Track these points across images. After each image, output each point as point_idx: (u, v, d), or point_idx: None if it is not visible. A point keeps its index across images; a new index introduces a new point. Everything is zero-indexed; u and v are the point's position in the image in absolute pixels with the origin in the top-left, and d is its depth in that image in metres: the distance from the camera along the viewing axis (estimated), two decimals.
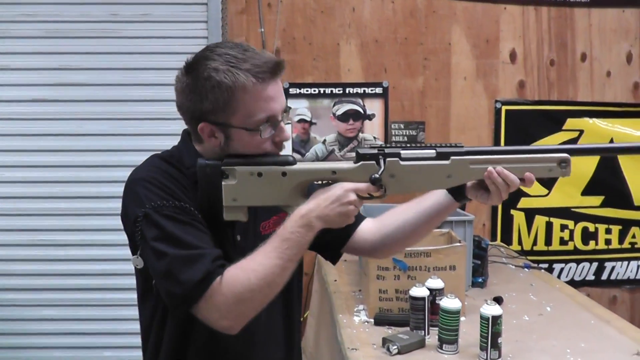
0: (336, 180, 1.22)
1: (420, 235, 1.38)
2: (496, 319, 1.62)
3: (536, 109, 2.96)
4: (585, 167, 2.97)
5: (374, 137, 2.90)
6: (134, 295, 1.32)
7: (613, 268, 3.12)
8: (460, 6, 2.88)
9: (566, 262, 3.08)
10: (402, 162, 1.21)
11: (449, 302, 1.69)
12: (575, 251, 3.09)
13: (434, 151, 1.22)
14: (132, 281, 1.34)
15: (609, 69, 2.99)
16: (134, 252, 1.23)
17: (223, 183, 1.20)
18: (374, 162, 1.21)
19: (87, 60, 2.79)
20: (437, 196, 1.32)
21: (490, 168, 1.20)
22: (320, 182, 1.25)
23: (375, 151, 1.22)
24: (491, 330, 1.62)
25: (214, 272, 1.13)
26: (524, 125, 2.96)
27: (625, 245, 3.11)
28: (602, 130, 3.00)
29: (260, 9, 2.79)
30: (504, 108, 2.95)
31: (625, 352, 1.70)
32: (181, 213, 1.18)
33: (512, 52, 2.92)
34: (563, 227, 3.06)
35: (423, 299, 1.78)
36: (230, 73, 1.17)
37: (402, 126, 2.92)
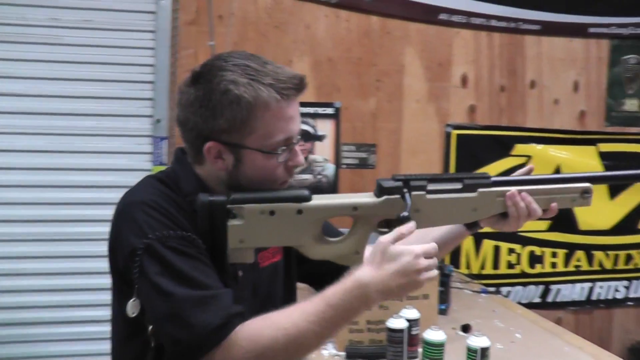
0: (357, 217, 1.10)
1: None
2: (485, 351, 1.57)
3: (486, 134, 2.97)
4: None
5: (325, 159, 2.84)
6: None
7: (559, 290, 3.17)
8: (414, 28, 2.87)
9: (513, 285, 3.10)
10: (428, 196, 1.12)
11: (433, 334, 1.62)
12: (522, 274, 3.11)
13: (460, 183, 1.14)
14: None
15: (557, 96, 3.04)
16: (124, 292, 1.05)
17: (229, 223, 1.05)
18: (398, 196, 1.10)
19: (23, 68, 2.57)
20: (447, 226, 1.23)
21: (513, 190, 1.13)
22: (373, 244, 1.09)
23: (400, 184, 1.11)
24: None
25: (235, 318, 1.00)
26: (474, 149, 2.97)
27: (571, 268, 3.17)
28: (550, 157, 3.04)
29: (211, 20, 2.68)
30: (454, 132, 2.95)
31: None
32: (188, 245, 1.04)
33: (463, 77, 2.93)
34: (511, 251, 3.08)
35: (402, 330, 1.68)
36: (251, 87, 1.05)
37: (353, 148, 2.87)
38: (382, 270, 1.00)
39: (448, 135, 2.94)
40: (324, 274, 1.19)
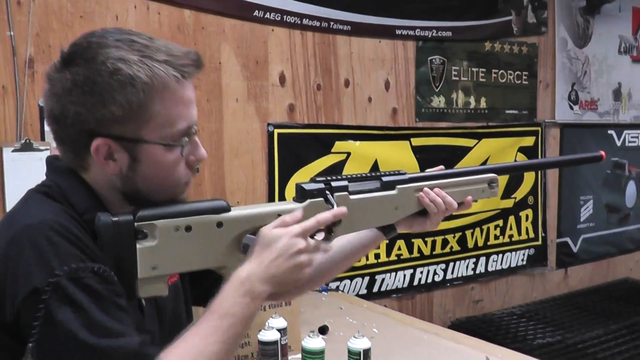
0: None
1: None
2: (367, 352, 1.53)
3: (306, 132, 3.02)
4: None
5: None
6: None
7: (383, 280, 3.29)
8: (228, 23, 2.79)
9: (341, 279, 3.16)
10: (351, 197, 1.05)
11: (312, 342, 1.54)
12: (349, 268, 3.19)
13: (378, 182, 1.08)
14: None
15: (369, 95, 3.17)
16: (8, 352, 0.82)
17: (138, 246, 0.88)
18: (322, 199, 1.02)
19: None
20: (364, 231, 1.15)
21: (426, 188, 1.10)
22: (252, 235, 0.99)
23: (322, 186, 1.03)
24: None
25: None
26: (296, 148, 3.00)
27: (392, 257, 3.32)
28: (367, 153, 3.16)
29: (8, 7, 2.38)
30: (276, 131, 2.95)
31: None
32: (102, 281, 0.85)
33: (281, 75, 2.95)
34: None
35: (275, 342, 1.58)
36: (145, 65, 0.87)
37: None
38: (260, 259, 0.92)
39: (270, 135, 2.94)
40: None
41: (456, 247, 3.57)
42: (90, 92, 0.87)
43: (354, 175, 1.09)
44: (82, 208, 0.90)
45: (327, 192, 1.03)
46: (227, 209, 0.95)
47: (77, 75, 0.88)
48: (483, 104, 3.67)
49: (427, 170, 1.17)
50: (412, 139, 3.34)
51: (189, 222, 0.91)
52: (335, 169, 3.02)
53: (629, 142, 4.63)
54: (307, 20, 2.91)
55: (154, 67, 0.88)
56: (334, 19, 2.99)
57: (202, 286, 1.11)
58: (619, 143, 4.56)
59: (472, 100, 3.62)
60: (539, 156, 3.92)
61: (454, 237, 3.54)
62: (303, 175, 2.93)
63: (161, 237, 0.89)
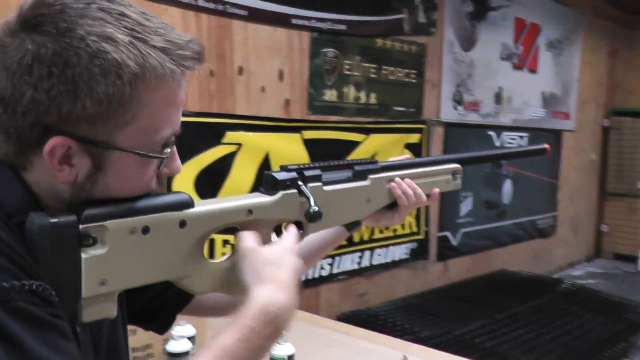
0: (250, 223, 0.84)
1: None
2: (292, 359, 1.42)
3: (198, 121, 2.86)
4: (244, 181, 3.00)
5: None
6: None
7: None
8: None
9: None
10: (325, 188, 0.94)
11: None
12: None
13: (350, 170, 0.96)
14: None
15: (263, 84, 3.07)
16: None
17: (84, 256, 0.68)
18: (295, 190, 0.89)
19: None
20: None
21: (397, 179, 1.00)
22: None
23: (294, 174, 0.90)
24: None
25: None
26: (186, 137, 2.78)
27: None
28: (259, 145, 3.06)
29: None
30: None
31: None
32: (40, 303, 0.64)
33: None
34: (225, 242, 3.03)
35: (187, 353, 1.40)
36: (136, 50, 0.67)
37: None
38: (278, 281, 0.80)
39: None
40: (156, 308, 0.90)
41: (342, 242, 3.57)
42: (59, 76, 0.65)
43: (325, 163, 0.98)
44: (11, 207, 0.68)
45: (301, 182, 0.91)
46: (190, 204, 0.78)
47: (42, 48, 0.65)
48: (373, 99, 3.70)
49: (392, 158, 1.09)
50: (303, 132, 3.29)
51: (147, 221, 0.73)
52: (226, 161, 2.90)
53: (507, 143, 4.92)
54: (202, 1, 2.75)
55: (147, 54, 0.68)
56: (230, 2, 2.85)
57: (142, 300, 0.92)
58: (498, 143, 4.82)
59: (362, 95, 3.63)
60: (423, 153, 4.03)
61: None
62: (193, 167, 2.78)
63: (113, 242, 0.70)
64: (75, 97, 0.66)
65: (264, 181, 0.90)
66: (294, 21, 3.15)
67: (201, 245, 0.80)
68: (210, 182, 2.84)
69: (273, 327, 0.76)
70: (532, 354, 3.17)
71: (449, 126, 4.30)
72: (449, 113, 4.29)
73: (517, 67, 4.97)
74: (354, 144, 3.55)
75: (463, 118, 4.42)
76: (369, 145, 3.63)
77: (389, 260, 3.89)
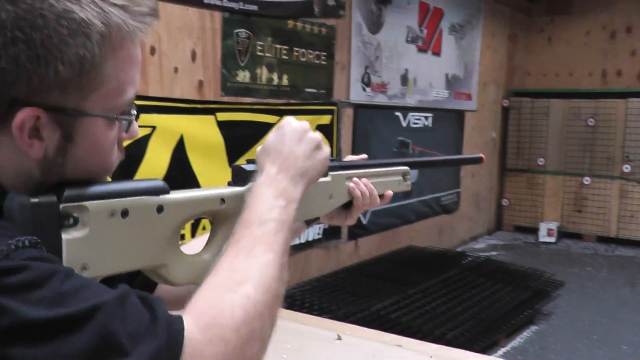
0: (222, 214, 0.85)
1: None
2: None
3: None
4: (159, 164, 2.93)
5: None
6: None
7: None
8: None
9: None
10: None
11: None
12: None
13: None
14: None
15: (176, 65, 3.00)
16: None
17: (64, 237, 0.65)
18: None
19: None
20: None
21: (355, 178, 1.01)
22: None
23: None
24: None
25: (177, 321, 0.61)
26: None
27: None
28: (173, 127, 3.00)
29: None
30: None
31: (327, 340, 1.64)
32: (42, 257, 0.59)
33: None
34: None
35: None
36: (98, 9, 0.63)
37: None
38: (284, 142, 0.85)
39: None
40: None
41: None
42: (26, 41, 0.61)
43: None
44: None
45: None
46: (167, 190, 0.77)
47: (1, 12, 0.61)
48: (285, 81, 3.71)
49: (349, 157, 1.11)
50: (217, 114, 3.24)
51: (126, 204, 0.71)
52: (140, 145, 2.81)
53: (413, 123, 5.09)
54: None
55: (110, 12, 0.65)
56: None
57: None
58: (404, 124, 4.98)
59: (275, 77, 3.63)
60: (334, 134, 4.10)
61: None
62: None
63: (93, 224, 0.67)
64: (46, 62, 0.62)
65: (233, 174, 0.91)
66: (206, 1, 3.08)
67: (177, 235, 0.79)
68: (125, 165, 2.74)
69: (282, 200, 0.79)
70: (446, 327, 3.34)
71: (358, 107, 4.39)
72: (358, 94, 4.38)
73: (422, 49, 5.14)
74: (267, 126, 3.55)
75: (371, 99, 4.53)
76: None
77: (303, 241, 3.94)
